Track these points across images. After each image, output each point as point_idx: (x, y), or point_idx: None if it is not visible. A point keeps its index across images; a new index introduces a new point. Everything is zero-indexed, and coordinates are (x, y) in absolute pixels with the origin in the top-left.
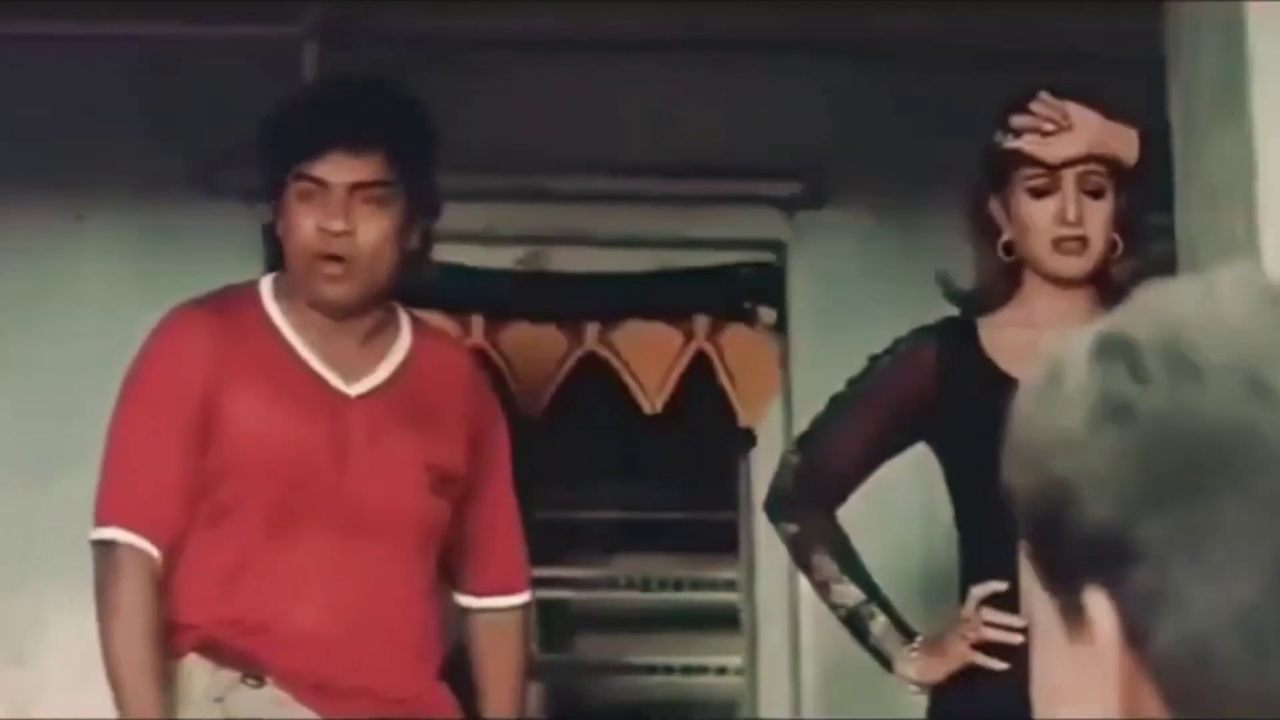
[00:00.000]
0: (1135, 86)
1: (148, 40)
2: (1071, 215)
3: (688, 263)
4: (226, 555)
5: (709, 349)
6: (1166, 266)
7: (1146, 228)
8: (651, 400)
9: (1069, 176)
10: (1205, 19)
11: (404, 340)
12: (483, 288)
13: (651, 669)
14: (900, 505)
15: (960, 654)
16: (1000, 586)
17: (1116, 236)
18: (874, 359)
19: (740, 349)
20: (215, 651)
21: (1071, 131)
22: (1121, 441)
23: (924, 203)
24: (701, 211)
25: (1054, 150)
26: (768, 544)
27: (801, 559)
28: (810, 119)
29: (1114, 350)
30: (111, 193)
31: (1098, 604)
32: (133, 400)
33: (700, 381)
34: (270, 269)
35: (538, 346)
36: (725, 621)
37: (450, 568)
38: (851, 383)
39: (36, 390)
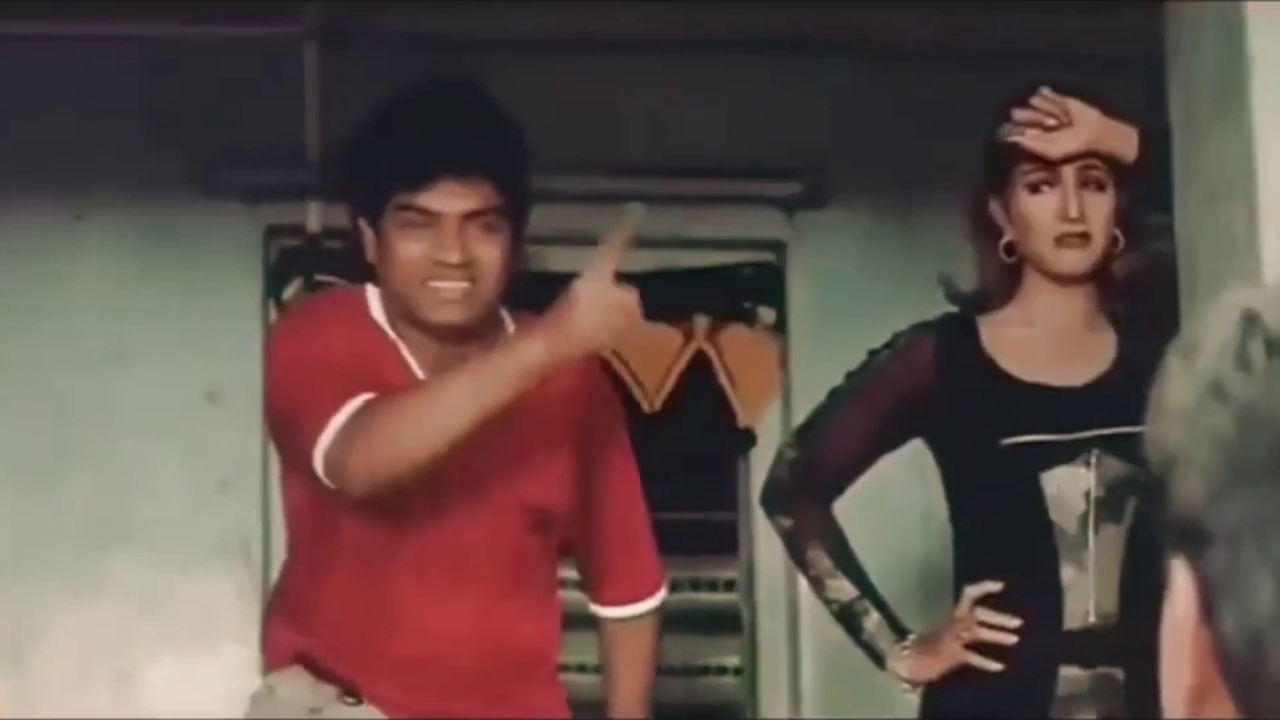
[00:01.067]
0: (1135, 86)
1: (148, 40)
2: (1073, 211)
3: (688, 263)
4: (326, 577)
5: (709, 349)
6: (1166, 266)
7: (1146, 226)
8: (651, 400)
9: (1069, 172)
10: (1205, 19)
11: None
12: None
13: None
14: (897, 502)
15: (953, 653)
16: (994, 586)
17: (1118, 232)
18: (873, 353)
19: (740, 349)
20: (315, 667)
21: (1072, 127)
22: (1217, 424)
23: (924, 203)
24: (701, 211)
25: (1055, 145)
26: (767, 544)
27: (796, 553)
28: (810, 119)
29: (1241, 329)
30: (111, 193)
31: (1180, 574)
32: (292, 366)
33: (700, 381)
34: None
35: None
36: (725, 621)
37: (582, 579)
38: (850, 376)
39: (36, 390)
